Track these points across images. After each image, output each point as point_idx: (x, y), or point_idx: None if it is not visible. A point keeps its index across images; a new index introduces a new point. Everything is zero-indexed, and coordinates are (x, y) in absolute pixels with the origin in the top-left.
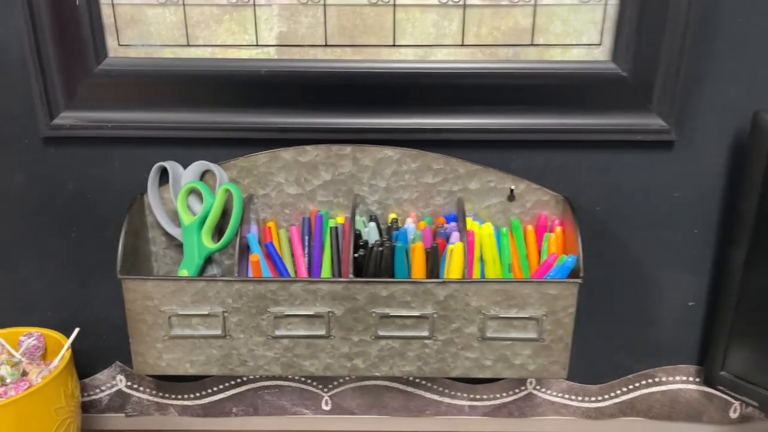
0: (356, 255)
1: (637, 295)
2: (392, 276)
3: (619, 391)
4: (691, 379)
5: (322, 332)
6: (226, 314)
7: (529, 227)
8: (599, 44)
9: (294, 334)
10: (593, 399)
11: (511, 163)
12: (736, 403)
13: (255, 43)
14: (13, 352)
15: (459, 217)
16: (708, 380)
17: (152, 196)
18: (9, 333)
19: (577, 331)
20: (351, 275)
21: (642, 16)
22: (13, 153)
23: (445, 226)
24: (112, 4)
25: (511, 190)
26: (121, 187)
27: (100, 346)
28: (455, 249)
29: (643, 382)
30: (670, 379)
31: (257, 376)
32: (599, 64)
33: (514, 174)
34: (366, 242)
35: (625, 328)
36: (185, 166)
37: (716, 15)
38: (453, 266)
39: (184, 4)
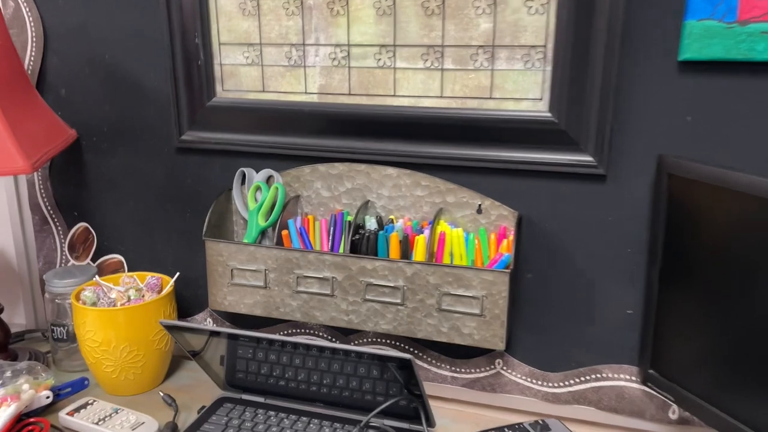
0: (353, 238)
1: (584, 299)
2: (377, 255)
3: (572, 381)
4: (633, 378)
5: (328, 291)
6: (267, 271)
7: (493, 235)
8: (540, 99)
9: (310, 291)
10: (552, 385)
11: (480, 184)
12: (674, 405)
13: (304, 91)
14: (140, 284)
15: (434, 221)
16: (642, 378)
17: (235, 190)
18: (141, 275)
19: (539, 325)
20: (348, 251)
21: (570, 78)
22: (158, 157)
23: (425, 227)
24: (221, 64)
25: (479, 206)
26: (220, 184)
27: (198, 295)
28: (419, 240)
29: (593, 376)
30: (615, 376)
31: (287, 320)
32: (540, 114)
33: (482, 193)
34: (364, 231)
35: (577, 327)
36: (258, 172)
37: (630, 79)
38: (417, 252)
39: (261, 65)
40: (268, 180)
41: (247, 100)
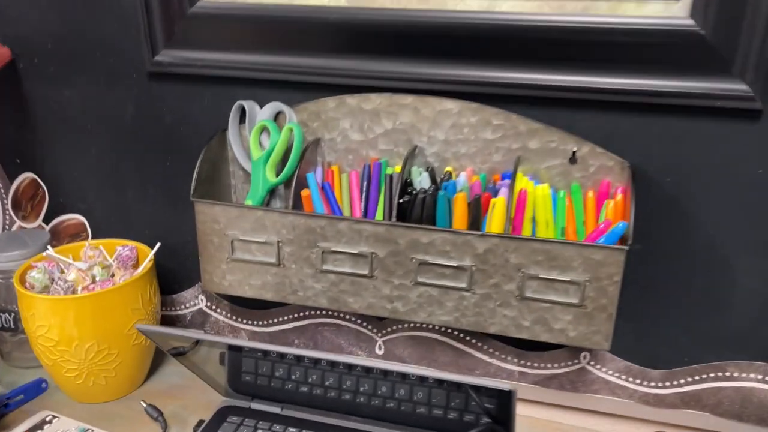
0: (401, 201)
1: (711, 279)
2: (434, 225)
3: (683, 380)
4: (767, 378)
5: (366, 272)
6: (280, 244)
7: (590, 193)
8: None
9: (340, 270)
10: (653, 384)
11: (575, 124)
12: None
13: None
14: (108, 257)
15: (513, 175)
16: None
17: (232, 132)
18: (108, 243)
19: (639, 310)
20: (394, 219)
21: None
22: (125, 85)
23: (499, 183)
24: None
25: (574, 153)
26: (209, 121)
27: (187, 266)
28: (498, 203)
29: (712, 375)
30: (743, 375)
31: (313, 309)
32: (677, 21)
33: (577, 135)
34: (414, 190)
35: (695, 313)
36: (262, 107)
37: None
38: (495, 220)
39: None
40: (277, 117)
41: (246, 5)
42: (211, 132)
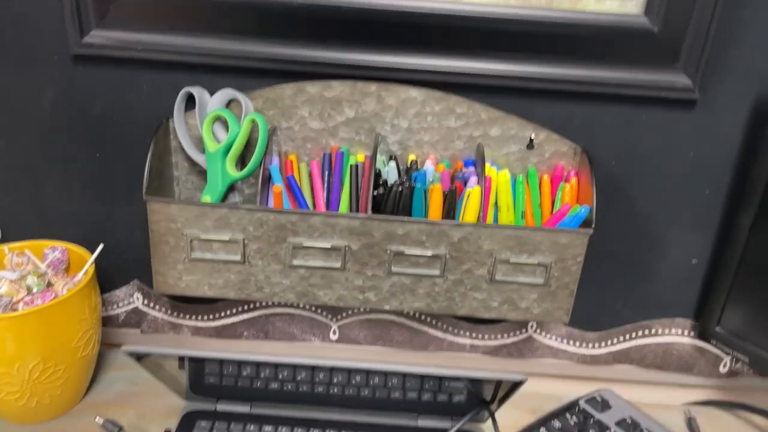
0: (375, 193)
1: (642, 249)
2: (409, 215)
3: (615, 340)
4: (685, 332)
5: (338, 265)
6: (246, 241)
7: (545, 176)
8: None
9: (310, 265)
10: (590, 346)
11: (533, 112)
12: (727, 358)
13: None
14: (39, 263)
15: (478, 162)
16: (703, 334)
17: (178, 121)
18: (34, 245)
19: (581, 280)
20: (369, 212)
21: None
22: (44, 69)
23: (464, 170)
24: None
25: (531, 139)
26: (148, 110)
27: (120, 264)
28: (472, 193)
29: (640, 333)
30: (666, 331)
31: (272, 303)
32: (631, 18)
33: (535, 123)
34: (385, 181)
35: (627, 280)
36: (212, 94)
37: None
38: (469, 210)
39: None
40: (229, 105)
41: None
42: (148, 121)
